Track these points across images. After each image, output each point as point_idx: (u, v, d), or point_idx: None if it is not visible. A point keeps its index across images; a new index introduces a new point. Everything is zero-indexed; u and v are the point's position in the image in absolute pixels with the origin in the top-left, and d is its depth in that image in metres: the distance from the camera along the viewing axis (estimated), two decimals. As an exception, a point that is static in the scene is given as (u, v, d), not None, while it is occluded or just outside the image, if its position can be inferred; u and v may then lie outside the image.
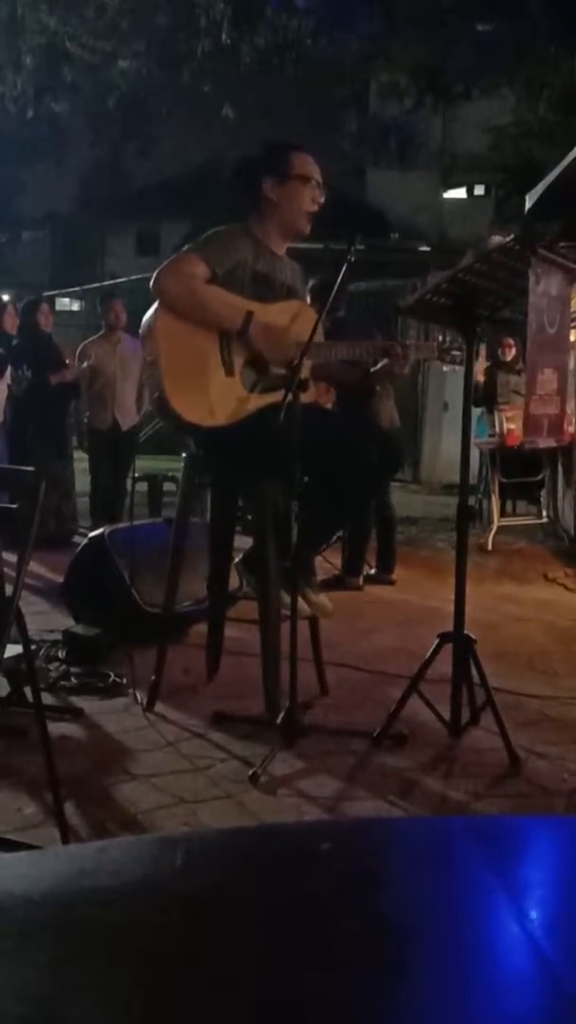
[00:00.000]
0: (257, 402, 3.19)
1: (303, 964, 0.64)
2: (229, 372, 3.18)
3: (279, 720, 3.09)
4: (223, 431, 3.15)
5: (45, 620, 4.45)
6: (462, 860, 0.83)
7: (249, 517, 4.11)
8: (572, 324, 6.84)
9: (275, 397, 3.06)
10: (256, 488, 3.31)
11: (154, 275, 3.17)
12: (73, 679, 3.75)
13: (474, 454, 4.11)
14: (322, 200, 3.34)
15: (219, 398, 3.15)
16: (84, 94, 12.58)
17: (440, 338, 3.56)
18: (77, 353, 7.22)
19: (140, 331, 3.31)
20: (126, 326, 7.07)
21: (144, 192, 28.19)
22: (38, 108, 11.84)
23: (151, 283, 3.17)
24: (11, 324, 6.80)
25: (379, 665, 4.07)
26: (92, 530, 4.98)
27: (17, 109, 11.74)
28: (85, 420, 7.34)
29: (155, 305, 3.20)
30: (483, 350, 8.55)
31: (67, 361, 7.14)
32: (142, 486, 7.80)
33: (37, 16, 10.47)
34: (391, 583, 5.94)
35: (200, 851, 0.82)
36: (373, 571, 5.99)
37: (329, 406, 4.92)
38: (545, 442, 6.64)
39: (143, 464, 8.07)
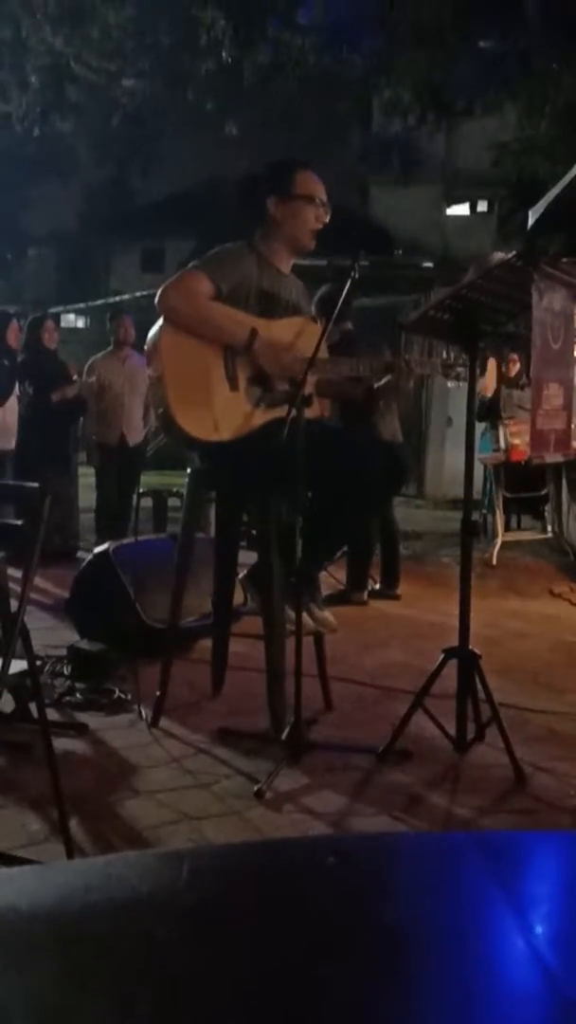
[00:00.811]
0: (261, 417, 3.20)
1: (308, 978, 0.64)
2: (234, 387, 3.19)
3: (284, 736, 3.08)
4: (228, 446, 3.16)
5: (50, 635, 4.45)
6: (467, 875, 0.83)
7: (254, 532, 4.11)
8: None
9: (279, 412, 3.07)
10: (261, 503, 3.32)
11: (159, 292, 3.18)
12: (78, 695, 3.75)
13: (478, 469, 4.11)
14: (327, 218, 3.36)
15: (224, 413, 3.16)
16: (89, 113, 12.67)
17: (444, 354, 3.56)
18: (85, 369, 7.26)
19: (145, 347, 3.32)
20: (134, 342, 7.12)
21: (148, 209, 28.31)
22: (43, 127, 11.93)
23: (156, 300, 3.18)
24: (14, 338, 6.81)
25: (384, 680, 4.07)
26: (97, 545, 4.98)
27: (23, 128, 11.83)
28: (93, 436, 7.37)
29: (160, 321, 3.21)
30: (491, 365, 8.54)
31: (73, 377, 7.16)
32: (147, 501, 7.80)
33: (42, 36, 10.56)
34: (396, 598, 5.93)
35: (205, 866, 0.82)
36: (378, 586, 5.99)
37: (325, 416, 4.93)
38: (552, 457, 6.64)
39: (148, 479, 8.10)
